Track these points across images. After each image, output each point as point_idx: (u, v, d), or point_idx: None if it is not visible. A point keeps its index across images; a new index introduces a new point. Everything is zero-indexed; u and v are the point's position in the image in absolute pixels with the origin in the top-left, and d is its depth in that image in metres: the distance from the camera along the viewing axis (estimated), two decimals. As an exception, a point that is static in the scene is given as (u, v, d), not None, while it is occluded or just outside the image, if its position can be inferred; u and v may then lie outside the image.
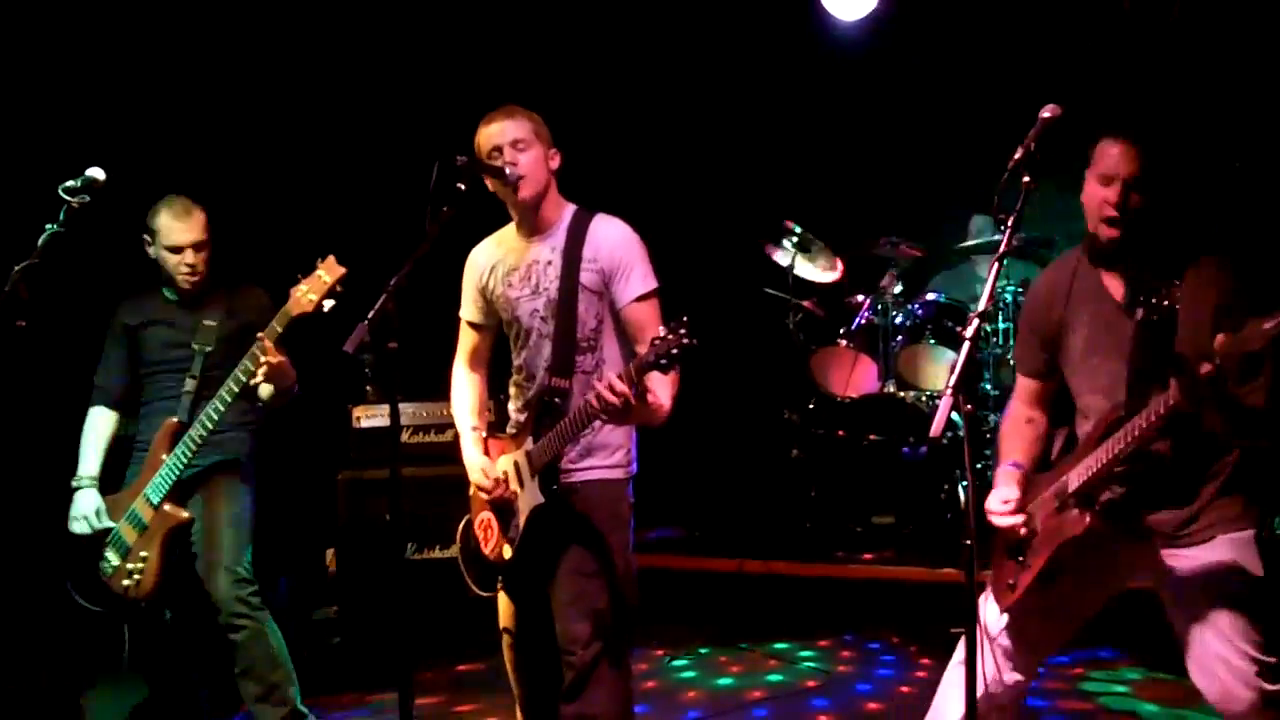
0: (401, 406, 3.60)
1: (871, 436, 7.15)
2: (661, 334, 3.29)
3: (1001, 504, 3.48)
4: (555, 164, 3.85)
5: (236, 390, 4.44)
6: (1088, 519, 3.28)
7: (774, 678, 5.67)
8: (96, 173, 4.09)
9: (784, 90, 8.11)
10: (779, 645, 6.11)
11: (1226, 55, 6.83)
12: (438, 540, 5.98)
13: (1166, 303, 3.25)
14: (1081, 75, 7.01)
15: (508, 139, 3.76)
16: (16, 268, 3.98)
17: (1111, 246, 3.34)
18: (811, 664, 5.82)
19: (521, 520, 3.79)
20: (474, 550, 4.01)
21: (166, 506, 4.55)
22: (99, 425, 4.81)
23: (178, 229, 4.68)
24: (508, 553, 3.85)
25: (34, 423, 5.86)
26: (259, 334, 4.39)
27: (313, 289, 4.30)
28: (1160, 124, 6.87)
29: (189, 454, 4.52)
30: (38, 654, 4.97)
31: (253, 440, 4.85)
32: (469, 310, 4.06)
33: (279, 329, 4.36)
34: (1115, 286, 3.40)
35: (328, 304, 4.28)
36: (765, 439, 7.86)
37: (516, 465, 3.82)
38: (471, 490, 3.98)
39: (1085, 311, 3.45)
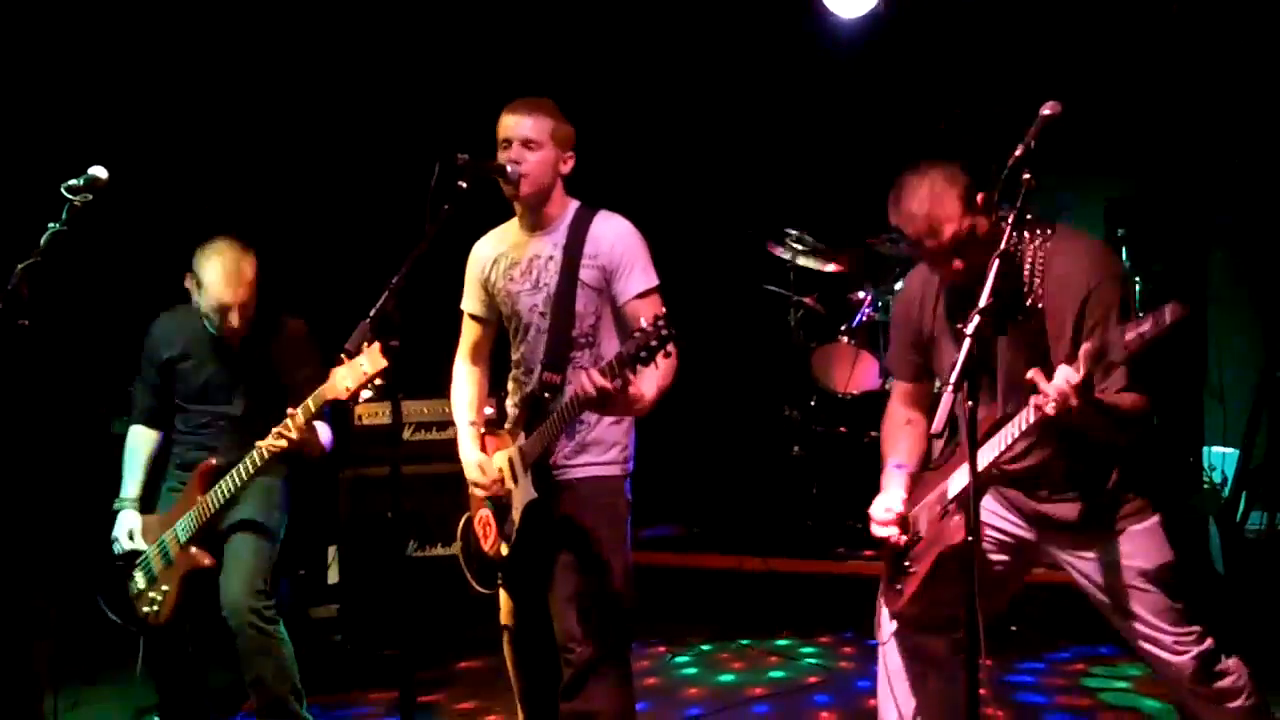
0: (403, 404, 3.60)
1: (872, 433, 7.13)
2: (642, 327, 3.31)
3: (884, 512, 3.53)
4: (566, 168, 3.84)
5: (259, 462, 4.45)
6: (964, 528, 3.29)
7: (775, 674, 5.68)
8: (99, 171, 4.08)
9: (785, 87, 8.10)
10: (780, 642, 6.12)
11: (1227, 51, 6.83)
12: (439, 538, 5.98)
13: (1029, 304, 3.26)
14: (1082, 71, 7.01)
15: (520, 135, 3.76)
16: (19, 266, 3.98)
17: (961, 286, 3.34)
18: (813, 661, 5.83)
19: (517, 516, 3.80)
20: (474, 548, 4.02)
21: (193, 549, 4.57)
22: (139, 445, 4.84)
23: (227, 292, 4.57)
24: (505, 549, 3.86)
25: (36, 421, 5.86)
26: (290, 410, 4.37)
27: (351, 376, 4.14)
28: (1159, 119, 6.93)
29: (221, 502, 4.53)
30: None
31: (290, 465, 4.78)
32: (470, 303, 4.06)
33: (312, 408, 4.33)
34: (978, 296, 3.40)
35: (364, 395, 4.18)
36: (766, 436, 7.87)
37: (511, 461, 3.83)
38: (470, 487, 3.99)
39: (956, 317, 3.43)
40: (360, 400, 4.26)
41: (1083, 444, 3.30)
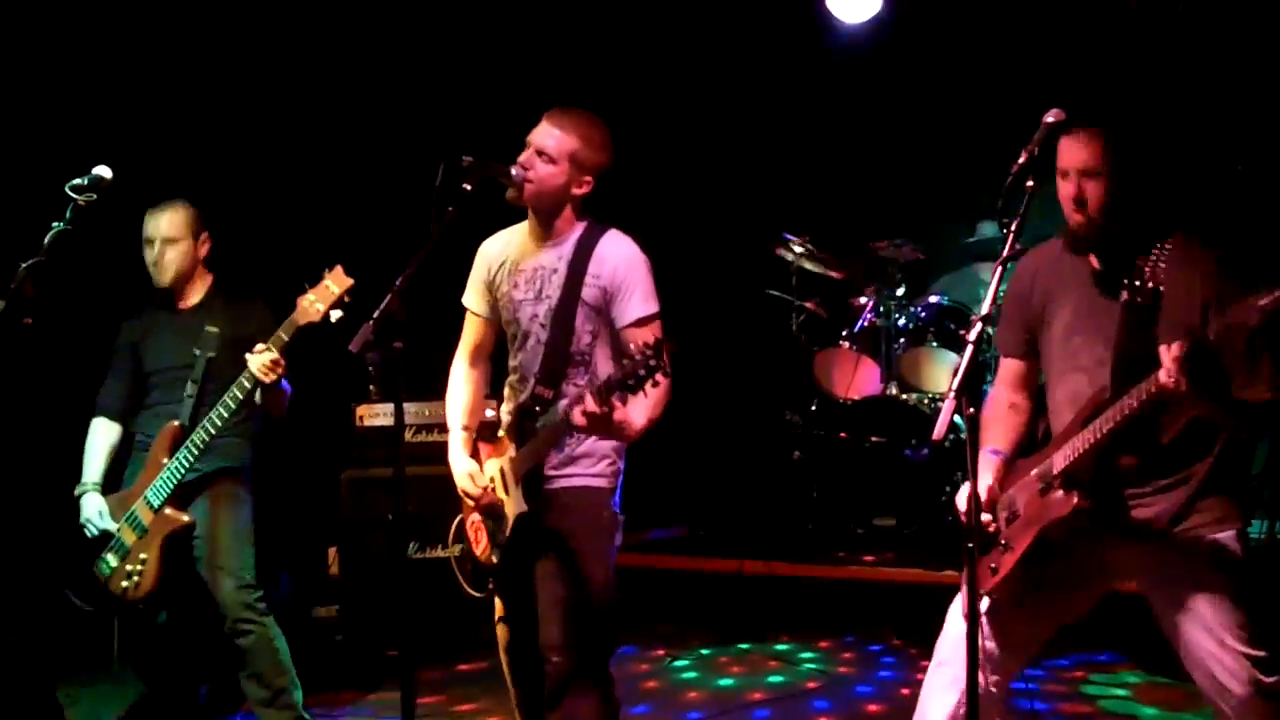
0: (405, 405, 3.61)
1: (873, 438, 7.16)
2: (631, 355, 3.31)
3: (967, 502, 3.46)
4: (579, 191, 3.79)
5: (240, 397, 4.45)
6: (1075, 499, 3.26)
7: (775, 679, 5.68)
8: (103, 171, 4.10)
9: (789, 92, 8.11)
10: (780, 646, 6.12)
11: (1231, 55, 6.84)
12: (440, 539, 5.95)
13: (1150, 284, 3.23)
14: (1086, 78, 7.02)
15: (538, 142, 3.74)
16: (23, 265, 4.00)
17: (1079, 233, 3.36)
18: (812, 665, 5.83)
19: (508, 527, 3.80)
20: (466, 550, 4.02)
21: (167, 510, 4.56)
22: (100, 435, 4.87)
23: (150, 223, 4.76)
24: (496, 559, 3.86)
25: (38, 419, 5.87)
26: (264, 343, 4.39)
27: (320, 299, 4.30)
28: (1163, 124, 6.93)
29: (191, 459, 4.53)
30: (22, 651, 4.98)
31: (252, 448, 4.86)
32: (473, 299, 4.05)
33: (285, 337, 4.36)
34: (1097, 268, 3.39)
35: (334, 314, 4.28)
36: (767, 440, 7.87)
37: (503, 471, 3.83)
38: (460, 491, 4.00)
39: (1069, 293, 3.45)
40: (332, 320, 4.29)
41: (1168, 446, 3.26)
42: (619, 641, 4.01)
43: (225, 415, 4.48)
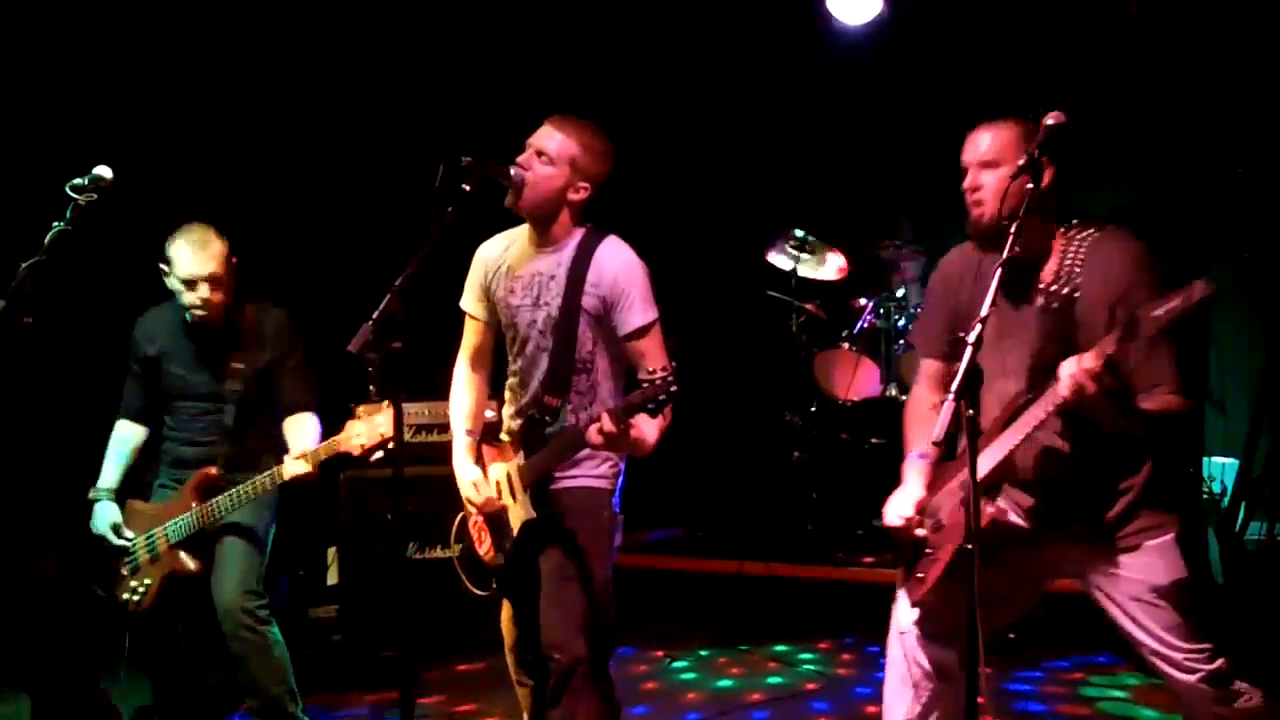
0: (405, 406, 3.61)
1: (873, 439, 7.16)
2: (651, 378, 3.34)
3: (896, 518, 3.51)
4: (577, 196, 3.80)
5: (267, 489, 4.49)
6: (990, 510, 3.30)
7: (774, 680, 5.67)
8: (104, 171, 4.09)
9: (790, 94, 8.11)
10: (779, 647, 6.11)
11: (1232, 57, 6.83)
12: (439, 540, 5.97)
13: (1066, 289, 3.27)
14: (1086, 79, 7.02)
15: (538, 144, 3.77)
16: (24, 265, 4.00)
17: (974, 229, 3.38)
18: (811, 666, 5.83)
19: (514, 532, 3.82)
20: (468, 549, 4.02)
21: (180, 554, 4.59)
22: (123, 439, 4.84)
23: (192, 261, 4.56)
24: (501, 559, 3.87)
25: (40, 418, 5.87)
26: (299, 443, 4.49)
27: (366, 435, 4.29)
28: (1166, 126, 6.93)
29: (217, 515, 4.54)
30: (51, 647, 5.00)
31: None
32: (470, 303, 4.06)
33: (323, 455, 4.41)
34: (1004, 270, 3.39)
35: (375, 456, 4.31)
36: (767, 441, 7.87)
37: (509, 477, 3.84)
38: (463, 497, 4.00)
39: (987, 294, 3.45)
40: (370, 459, 4.35)
41: (1101, 452, 3.31)
42: (617, 641, 4.02)
43: (255, 492, 4.49)
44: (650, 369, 3.40)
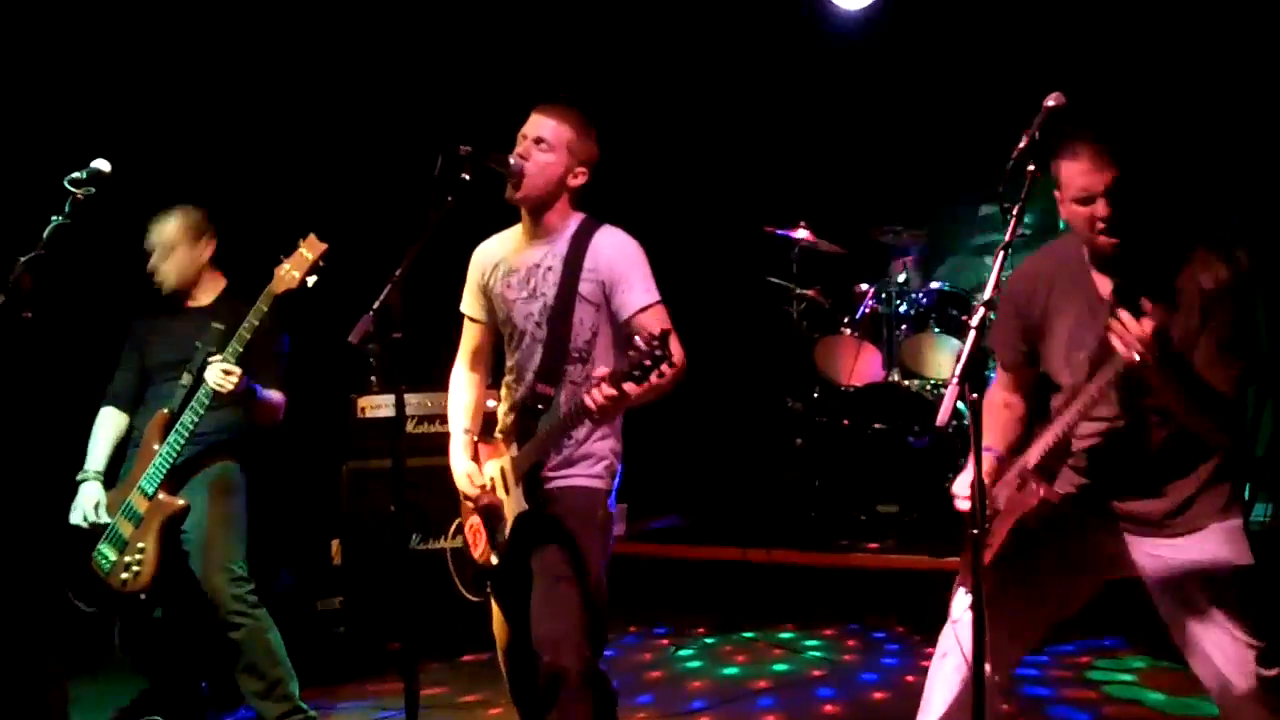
0: (406, 396, 3.60)
1: (876, 425, 7.15)
2: (636, 345, 3.31)
3: (967, 487, 3.40)
4: (575, 181, 3.80)
5: (206, 401, 4.50)
6: (1040, 490, 3.29)
7: (779, 667, 5.67)
8: (102, 164, 4.09)
9: (787, 78, 8.10)
10: (784, 635, 6.11)
11: (1230, 46, 6.82)
12: (442, 530, 5.97)
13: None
14: (1085, 59, 7.00)
15: (535, 133, 3.76)
16: (22, 259, 3.99)
17: (1114, 253, 3.28)
18: (816, 653, 5.83)
19: (508, 528, 3.80)
20: (463, 553, 4.02)
21: (161, 495, 4.56)
22: (107, 423, 4.88)
23: (154, 229, 4.81)
24: (495, 559, 3.85)
25: (37, 414, 5.86)
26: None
27: (295, 266, 4.39)
28: (1160, 114, 6.91)
29: (181, 441, 4.54)
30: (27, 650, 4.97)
31: (245, 415, 4.80)
32: (469, 305, 4.06)
33: (264, 308, 4.42)
34: (1103, 281, 3.36)
35: (311, 280, 4.36)
36: (769, 428, 7.87)
37: (503, 471, 3.83)
38: (460, 494, 3.99)
39: (1071, 304, 3.42)
40: (309, 285, 4.38)
41: (1169, 439, 3.27)
42: (610, 638, 3.99)
43: (206, 404, 4.50)
44: (635, 343, 3.34)
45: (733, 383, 8.05)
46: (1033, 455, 3.37)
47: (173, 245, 4.78)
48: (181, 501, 4.57)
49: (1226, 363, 3.17)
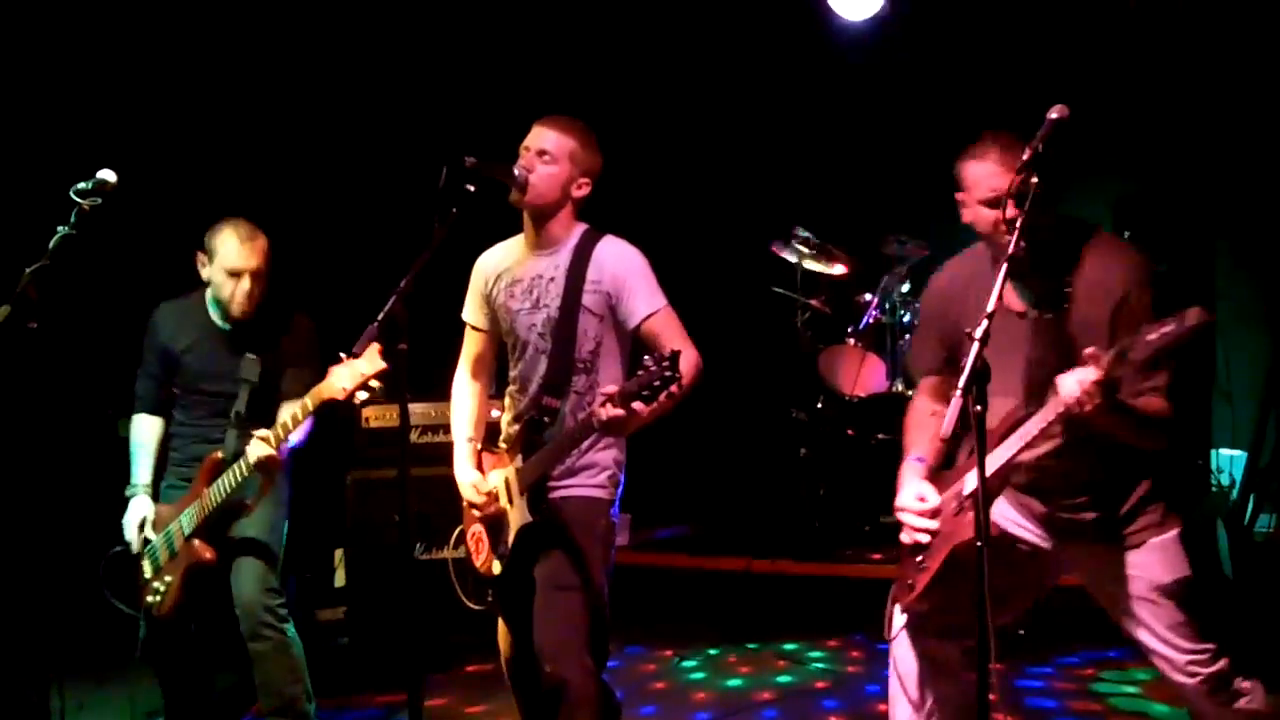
0: (410, 406, 3.61)
1: (880, 435, 7.14)
2: (647, 365, 3.31)
3: (918, 502, 3.45)
4: (579, 192, 3.83)
5: (242, 476, 4.47)
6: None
7: (783, 678, 5.67)
8: (108, 175, 4.09)
9: (791, 90, 8.11)
10: (788, 645, 6.10)
11: (1229, 47, 6.83)
12: (446, 540, 5.96)
13: (1060, 302, 3.25)
14: (1088, 73, 7.01)
15: (538, 144, 3.77)
16: (28, 269, 4.00)
17: (1020, 255, 3.22)
18: (821, 664, 5.82)
19: (511, 537, 3.80)
20: (465, 561, 4.02)
21: (195, 543, 4.54)
22: (145, 432, 4.82)
23: (240, 253, 4.60)
24: (497, 568, 3.86)
25: (44, 424, 5.86)
26: (289, 408, 4.42)
27: (349, 377, 4.20)
28: (1163, 116, 6.92)
29: (223, 495, 4.50)
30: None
31: (289, 459, 4.77)
32: (471, 314, 4.07)
33: (310, 407, 4.34)
34: (1010, 285, 3.33)
35: (361, 397, 4.23)
36: (773, 438, 7.86)
37: (507, 482, 3.83)
38: (464, 502, 3.99)
39: (983, 309, 3.43)
40: (356, 402, 4.27)
41: (1104, 452, 3.30)
42: (616, 646, 4.00)
43: (248, 469, 4.44)
44: (645, 363, 3.36)
45: (737, 393, 8.03)
46: (970, 482, 3.34)
47: (264, 270, 4.66)
48: (209, 555, 4.52)
49: (1157, 372, 3.17)
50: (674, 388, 3.32)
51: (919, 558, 3.49)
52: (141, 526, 4.65)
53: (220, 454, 4.58)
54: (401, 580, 3.98)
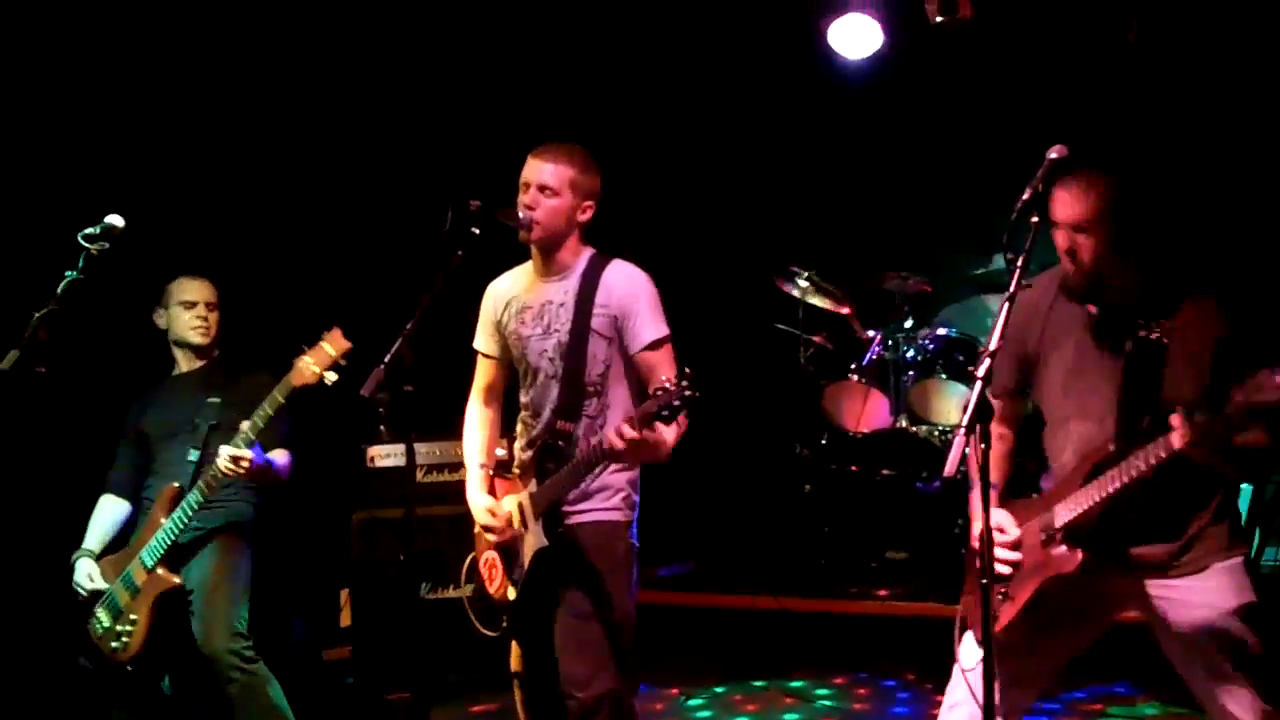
0: (415, 446, 3.63)
1: (884, 471, 7.15)
2: (665, 385, 3.33)
3: (1000, 533, 3.42)
4: (584, 217, 3.86)
5: (214, 485, 4.52)
6: (1079, 556, 3.28)
7: (790, 716, 5.64)
8: (116, 220, 4.12)
9: (792, 126, 8.15)
10: (794, 683, 6.08)
11: (1231, 88, 6.87)
12: (452, 579, 5.97)
13: (1155, 336, 3.25)
14: (1088, 110, 7.05)
15: (538, 180, 3.80)
16: (37, 314, 4.02)
17: (1072, 284, 3.37)
18: (828, 702, 5.80)
19: (526, 562, 3.81)
20: (479, 589, 4.02)
21: (159, 571, 4.58)
22: (105, 509, 4.91)
23: (192, 286, 4.88)
24: (512, 594, 3.86)
25: (52, 470, 5.88)
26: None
27: (316, 360, 4.35)
28: (1162, 160, 6.95)
29: (185, 520, 4.55)
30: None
31: (258, 499, 4.88)
32: (483, 342, 4.09)
33: (280, 399, 4.40)
34: (1096, 316, 3.39)
35: (330, 377, 4.32)
36: (778, 474, 7.86)
37: (521, 507, 3.84)
38: (476, 529, 4.00)
39: (1068, 337, 3.44)
40: (328, 383, 4.32)
41: (1184, 481, 3.25)
42: (639, 676, 4.00)
43: (214, 485, 4.52)
44: (663, 383, 3.38)
45: (741, 429, 8.05)
46: (1061, 514, 3.33)
47: (217, 305, 4.91)
48: (177, 580, 4.58)
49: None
50: (684, 399, 3.31)
51: (1002, 591, 3.44)
52: (89, 578, 4.70)
53: (178, 484, 4.62)
54: (408, 620, 3.97)
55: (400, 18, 7.29)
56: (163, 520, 4.58)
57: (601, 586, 3.75)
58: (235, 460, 4.44)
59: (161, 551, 4.57)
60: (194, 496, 4.53)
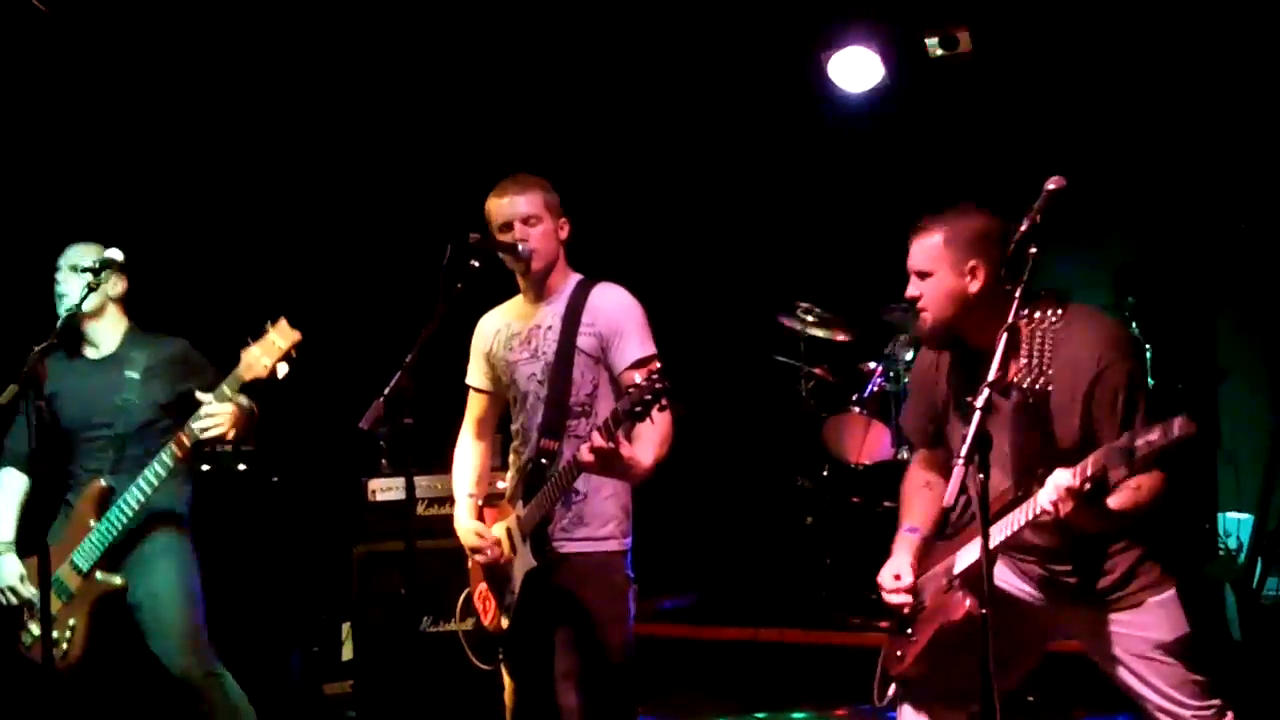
0: (416, 479, 3.63)
1: (886, 503, 7.13)
2: (636, 383, 3.33)
3: (893, 580, 3.51)
4: (565, 234, 3.91)
5: (170, 464, 4.27)
6: (967, 604, 3.30)
7: (792, 749, 5.63)
8: (115, 254, 4.14)
9: (792, 159, 8.17)
10: (797, 715, 6.06)
11: (1228, 112, 6.90)
12: (453, 613, 5.95)
13: (1040, 383, 3.22)
14: (1089, 144, 7.08)
15: (519, 214, 3.82)
16: (36, 348, 4.03)
17: (922, 333, 3.44)
18: (829, 735, 5.78)
19: (517, 586, 3.80)
20: (474, 623, 4.02)
21: (98, 574, 4.34)
22: (9, 487, 4.56)
23: (78, 251, 4.44)
24: (505, 623, 3.85)
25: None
26: (203, 396, 4.23)
27: (266, 353, 4.14)
28: (1163, 187, 6.98)
29: (124, 519, 4.31)
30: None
31: (192, 485, 4.62)
32: (474, 376, 4.11)
33: (229, 392, 4.19)
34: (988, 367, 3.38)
35: (282, 369, 4.13)
36: (779, 506, 7.85)
37: (509, 531, 3.84)
38: (470, 563, 4.00)
39: (962, 389, 3.43)
40: (279, 376, 4.15)
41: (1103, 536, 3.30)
42: (638, 709, 3.99)
43: (161, 474, 4.28)
44: (634, 381, 3.39)
45: (742, 461, 8.04)
46: (960, 560, 3.39)
47: (87, 268, 4.34)
48: (119, 581, 4.36)
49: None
50: (665, 400, 3.31)
51: (908, 629, 3.50)
52: (23, 582, 4.42)
53: (104, 482, 4.39)
54: (408, 654, 3.96)
55: (396, 36, 7.30)
56: (92, 522, 4.33)
57: (599, 617, 3.74)
58: (210, 415, 4.18)
59: (98, 555, 4.32)
60: (133, 496, 4.27)
